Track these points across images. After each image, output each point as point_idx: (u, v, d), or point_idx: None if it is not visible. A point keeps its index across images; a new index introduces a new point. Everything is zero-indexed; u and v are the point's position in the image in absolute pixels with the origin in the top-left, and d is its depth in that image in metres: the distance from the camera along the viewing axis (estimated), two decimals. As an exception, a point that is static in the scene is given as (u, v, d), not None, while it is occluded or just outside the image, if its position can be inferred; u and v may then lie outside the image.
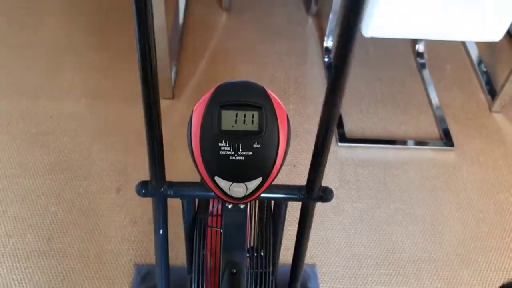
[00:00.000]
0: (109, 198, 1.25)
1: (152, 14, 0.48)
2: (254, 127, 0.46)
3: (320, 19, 1.85)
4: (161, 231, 0.65)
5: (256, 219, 0.77)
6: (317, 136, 0.55)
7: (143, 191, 0.63)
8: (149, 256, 1.15)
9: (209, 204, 0.75)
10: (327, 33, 1.70)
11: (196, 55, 1.67)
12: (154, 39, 0.50)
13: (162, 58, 1.41)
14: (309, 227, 0.67)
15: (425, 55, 1.72)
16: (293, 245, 1.12)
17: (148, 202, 1.22)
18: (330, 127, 0.53)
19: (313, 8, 1.85)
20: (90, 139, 1.38)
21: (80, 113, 1.45)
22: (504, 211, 1.31)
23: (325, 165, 0.59)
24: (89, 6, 1.82)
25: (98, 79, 1.56)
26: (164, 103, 1.50)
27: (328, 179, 1.34)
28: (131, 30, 1.82)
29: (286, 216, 0.74)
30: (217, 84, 0.49)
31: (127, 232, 1.18)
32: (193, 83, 1.58)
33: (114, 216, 1.21)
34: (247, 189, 0.47)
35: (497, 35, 1.23)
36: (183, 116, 1.47)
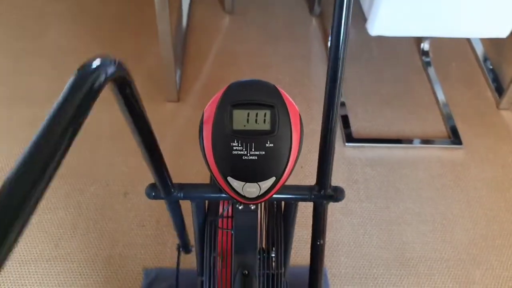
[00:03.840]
0: (117, 202, 1.24)
1: None
2: (266, 126, 0.46)
3: (323, 19, 1.85)
4: (179, 227, 0.64)
5: (266, 220, 0.76)
6: (321, 134, 0.55)
7: (153, 193, 0.63)
8: (158, 260, 1.14)
9: (219, 205, 0.74)
10: (330, 33, 1.70)
11: (200, 58, 1.67)
12: None
13: (167, 62, 1.41)
14: (324, 230, 0.66)
15: (430, 54, 1.71)
16: (303, 246, 1.11)
17: (156, 205, 1.22)
18: (333, 123, 0.53)
19: (317, 8, 1.84)
20: (96, 144, 1.38)
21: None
22: (515, 209, 1.30)
23: (332, 164, 0.58)
24: (93, 11, 1.82)
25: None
26: (169, 106, 1.49)
27: (336, 180, 1.33)
28: (134, 35, 1.83)
29: (296, 216, 0.73)
30: (222, 86, 0.48)
31: (135, 235, 1.18)
32: (198, 86, 1.58)
33: (121, 220, 1.21)
34: (260, 189, 0.46)
35: (504, 32, 1.22)
36: (188, 118, 1.47)
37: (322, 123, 0.54)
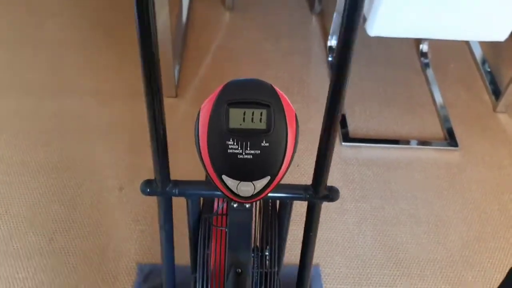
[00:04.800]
0: (112, 197, 1.24)
1: (154, 12, 0.47)
2: (262, 125, 0.46)
3: (323, 18, 1.85)
4: (165, 230, 0.65)
5: (261, 218, 0.77)
6: (321, 135, 0.55)
7: (148, 190, 0.63)
8: (152, 255, 1.14)
9: (214, 203, 0.74)
10: (330, 32, 1.70)
11: (199, 54, 1.66)
12: (156, 37, 0.50)
13: (166, 57, 1.41)
14: (316, 228, 0.66)
15: (429, 55, 1.71)
16: (297, 245, 1.11)
17: (151, 200, 1.22)
18: (334, 126, 0.53)
19: (317, 7, 1.84)
20: (93, 138, 1.38)
21: (83, 111, 1.44)
22: (509, 212, 1.30)
23: (329, 164, 0.58)
24: (91, 4, 1.81)
25: (101, 77, 1.56)
26: (167, 102, 1.48)
27: (331, 179, 1.33)
28: (132, 29, 1.82)
29: (291, 215, 0.73)
30: (221, 83, 0.48)
31: (129, 230, 1.18)
32: (196, 82, 1.57)
33: (117, 215, 1.21)
34: (254, 188, 0.46)
35: (502, 35, 1.22)
36: (186, 114, 1.46)
37: (323, 125, 0.54)
